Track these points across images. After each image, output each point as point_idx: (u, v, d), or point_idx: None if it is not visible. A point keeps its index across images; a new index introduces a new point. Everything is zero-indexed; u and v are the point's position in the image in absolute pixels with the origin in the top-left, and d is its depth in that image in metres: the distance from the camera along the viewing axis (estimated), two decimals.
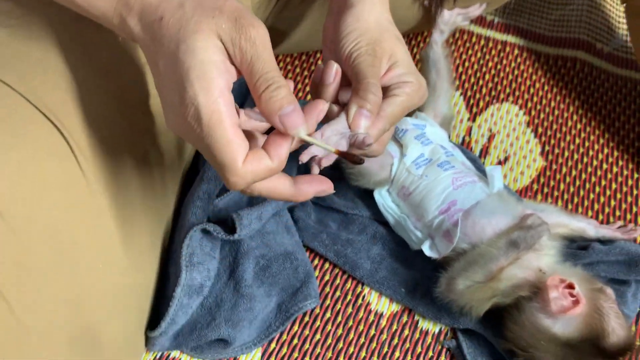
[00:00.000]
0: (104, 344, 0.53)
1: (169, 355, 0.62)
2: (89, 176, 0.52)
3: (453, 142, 0.75)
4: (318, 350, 0.63)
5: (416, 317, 0.66)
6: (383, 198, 0.69)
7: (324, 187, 0.46)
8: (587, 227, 0.68)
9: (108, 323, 0.53)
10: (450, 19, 0.78)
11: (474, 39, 0.89)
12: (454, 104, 0.82)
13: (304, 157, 0.50)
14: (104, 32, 0.51)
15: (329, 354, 0.63)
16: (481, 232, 0.62)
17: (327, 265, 0.69)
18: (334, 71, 0.49)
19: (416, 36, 0.89)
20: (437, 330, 0.65)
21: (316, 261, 0.69)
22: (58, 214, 0.49)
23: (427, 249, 0.65)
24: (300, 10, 0.77)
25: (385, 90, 0.51)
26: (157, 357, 0.62)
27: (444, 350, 0.64)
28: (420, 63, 0.78)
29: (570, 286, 0.58)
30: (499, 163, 0.77)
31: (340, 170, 0.68)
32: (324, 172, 0.71)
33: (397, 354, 0.63)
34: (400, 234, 0.68)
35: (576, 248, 0.68)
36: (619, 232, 0.68)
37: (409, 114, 0.74)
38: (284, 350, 0.63)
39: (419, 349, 0.64)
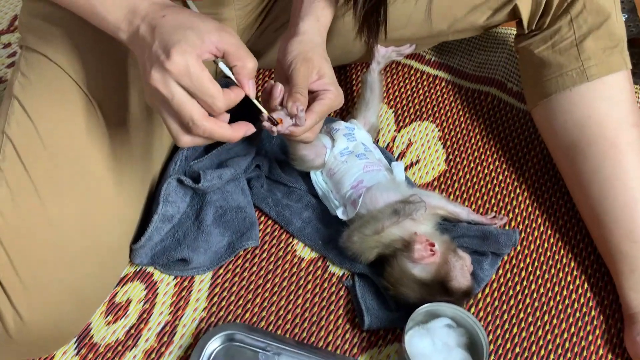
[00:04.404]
0: (103, 242, 0.77)
1: (145, 270, 0.87)
2: (105, 129, 0.78)
3: (376, 144, 0.99)
4: (253, 277, 0.88)
5: (327, 263, 0.90)
6: (316, 176, 0.94)
7: (248, 126, 0.68)
8: (461, 212, 0.92)
9: (106, 231, 0.78)
10: (386, 53, 1.04)
11: (411, 72, 1.15)
12: (385, 117, 1.07)
13: (266, 125, 0.73)
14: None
15: (260, 281, 0.87)
16: (376, 202, 0.86)
17: (269, 221, 0.94)
18: (279, 90, 0.75)
19: (361, 65, 1.15)
20: (341, 273, 0.89)
21: (262, 218, 0.94)
22: (82, 150, 0.75)
23: (340, 213, 0.89)
24: (273, 37, 1.03)
25: (315, 93, 0.77)
26: (137, 270, 0.87)
27: (343, 287, 0.88)
28: (361, 84, 1.04)
29: (432, 244, 0.82)
30: (411, 164, 1.02)
31: (290, 158, 0.93)
32: (274, 153, 0.97)
33: (309, 286, 0.88)
34: (325, 203, 0.93)
35: (451, 226, 0.91)
36: (484, 219, 0.92)
37: (344, 119, 0.99)
38: (229, 275, 0.88)
39: (325, 285, 0.88)
